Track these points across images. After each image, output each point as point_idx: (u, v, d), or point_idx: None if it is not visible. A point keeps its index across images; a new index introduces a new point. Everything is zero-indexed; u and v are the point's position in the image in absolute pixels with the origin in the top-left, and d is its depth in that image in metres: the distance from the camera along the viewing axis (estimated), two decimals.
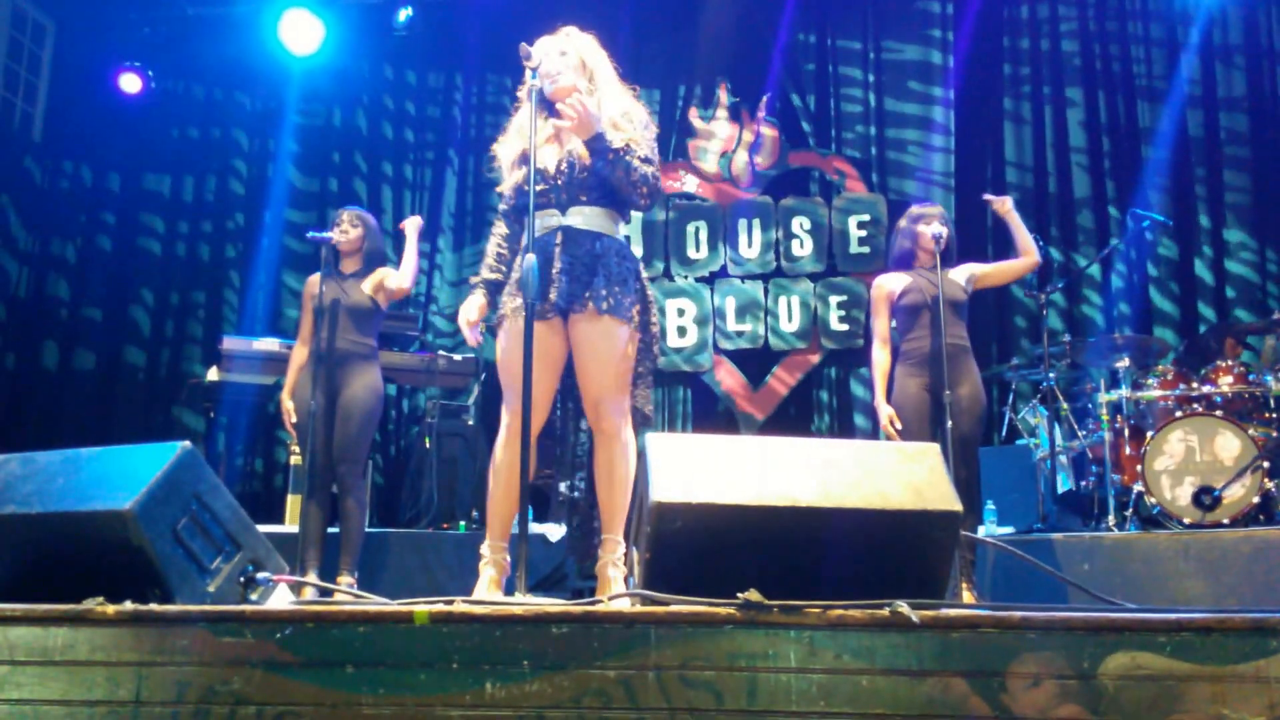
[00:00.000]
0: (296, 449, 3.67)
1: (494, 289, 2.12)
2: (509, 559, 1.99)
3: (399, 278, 2.95)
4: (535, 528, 3.39)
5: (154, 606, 1.34)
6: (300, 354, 2.99)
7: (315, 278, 2.97)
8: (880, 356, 2.87)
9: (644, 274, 2.10)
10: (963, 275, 2.88)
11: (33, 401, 5.01)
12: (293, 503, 3.78)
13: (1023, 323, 4.63)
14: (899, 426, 2.75)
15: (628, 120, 2.00)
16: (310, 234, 3.01)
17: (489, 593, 1.97)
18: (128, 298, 5.20)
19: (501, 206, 2.18)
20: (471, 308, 2.10)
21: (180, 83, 5.23)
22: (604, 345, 1.95)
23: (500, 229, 2.17)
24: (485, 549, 2.01)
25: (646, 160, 1.98)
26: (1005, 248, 4.71)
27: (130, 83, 5.02)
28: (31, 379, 5.07)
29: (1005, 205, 2.93)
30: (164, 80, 5.13)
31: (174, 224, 5.28)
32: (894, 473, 1.41)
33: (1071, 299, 4.59)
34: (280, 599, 1.61)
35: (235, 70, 5.21)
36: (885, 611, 1.21)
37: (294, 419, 2.94)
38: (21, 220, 5.19)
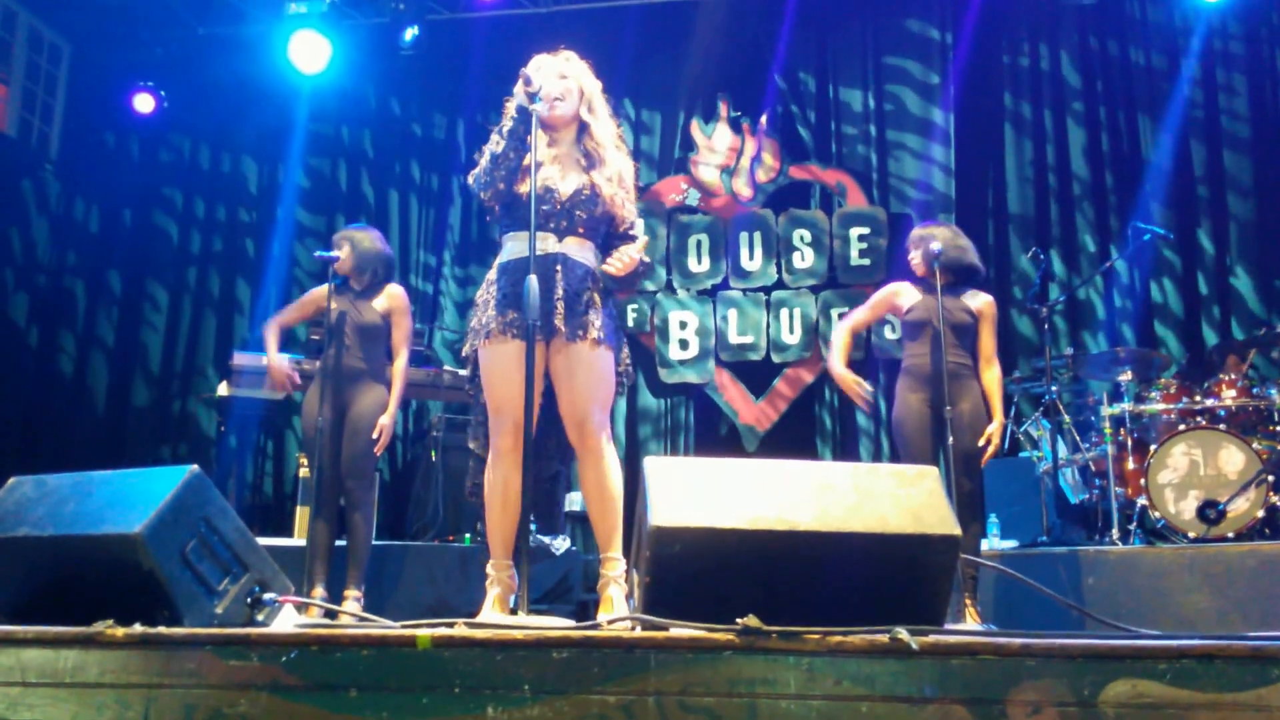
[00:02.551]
0: (305, 462, 3.70)
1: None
2: (515, 576, 2.02)
3: (405, 371, 3.00)
4: (542, 540, 3.40)
5: (162, 629, 1.36)
6: (276, 320, 3.09)
7: (326, 289, 3.00)
8: (839, 332, 2.93)
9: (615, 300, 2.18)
10: (975, 303, 2.87)
11: (49, 419, 5.07)
12: (301, 515, 3.81)
13: (1025, 336, 4.63)
14: (868, 390, 2.80)
15: (621, 185, 2.07)
16: (318, 254, 3.05)
17: (495, 611, 1.98)
18: (140, 313, 5.27)
19: (491, 196, 2.07)
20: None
21: (192, 101, 5.31)
22: (596, 371, 2.01)
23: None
24: (490, 568, 2.03)
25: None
26: (1005, 265, 4.74)
27: (144, 102, 5.11)
28: (47, 394, 5.13)
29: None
30: (176, 99, 5.21)
31: (186, 239, 5.35)
32: (892, 496, 1.42)
33: (1073, 312, 4.58)
34: (286, 619, 1.63)
35: (245, 89, 5.28)
36: (884, 638, 1.22)
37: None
38: (36, 238, 5.27)
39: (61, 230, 5.33)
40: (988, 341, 2.84)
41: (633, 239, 2.10)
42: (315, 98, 5.17)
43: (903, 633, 1.22)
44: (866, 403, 2.79)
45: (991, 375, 2.82)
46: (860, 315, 2.95)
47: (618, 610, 1.93)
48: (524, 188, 2.01)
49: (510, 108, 2.02)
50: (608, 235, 2.11)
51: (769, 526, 1.35)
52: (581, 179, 2.04)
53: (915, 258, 2.87)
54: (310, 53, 4.83)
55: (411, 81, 5.29)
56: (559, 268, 2.01)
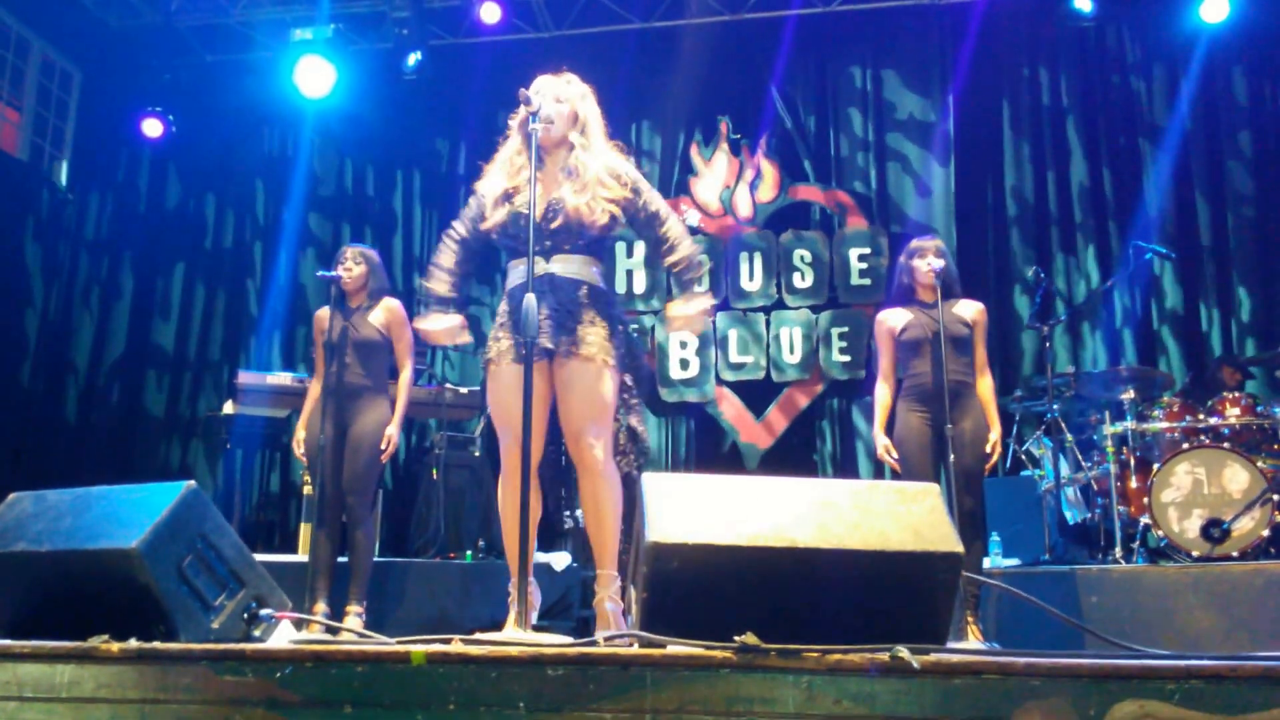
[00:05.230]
0: (309, 479, 3.71)
1: (444, 304, 2.15)
2: (536, 592, 2.07)
3: (409, 381, 3.00)
4: (540, 557, 3.39)
5: (157, 644, 1.35)
6: (316, 389, 3.03)
7: (324, 312, 3.03)
8: (882, 392, 2.88)
9: (624, 316, 2.18)
10: (968, 313, 2.85)
11: (58, 439, 5.10)
12: (305, 532, 3.80)
13: (1026, 354, 4.63)
14: (895, 457, 2.75)
15: (602, 185, 2.07)
16: (320, 273, 3.07)
17: (514, 629, 1.97)
18: (148, 334, 5.31)
19: (461, 232, 2.18)
20: (452, 327, 2.15)
21: (200, 126, 5.39)
22: (584, 384, 2.01)
23: (451, 248, 2.17)
24: (511, 586, 2.02)
25: (678, 229, 2.14)
26: (1005, 280, 4.76)
27: (152, 127, 5.19)
28: (56, 413, 5.17)
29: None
30: (184, 124, 5.30)
31: (194, 260, 5.40)
32: (894, 513, 1.41)
33: (1075, 330, 4.58)
34: (283, 635, 1.62)
35: (252, 113, 5.37)
36: (885, 656, 1.20)
37: (303, 449, 2.97)
38: (47, 261, 5.33)
39: (71, 253, 5.40)
40: (980, 351, 2.83)
41: (665, 239, 2.10)
42: (320, 121, 5.25)
43: (904, 651, 1.20)
44: (893, 459, 2.77)
45: (986, 384, 2.80)
46: (884, 364, 2.88)
47: (613, 626, 1.92)
48: (495, 217, 2.07)
49: (513, 126, 2.05)
50: (654, 239, 2.11)
51: (768, 543, 1.34)
52: (552, 196, 2.06)
53: (922, 269, 2.80)
54: (315, 78, 4.90)
55: (415, 105, 5.36)
56: (546, 288, 2.03)
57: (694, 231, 5.05)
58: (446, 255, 2.20)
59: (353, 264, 3.03)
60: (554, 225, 2.05)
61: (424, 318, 2.18)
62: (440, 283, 2.18)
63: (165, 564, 1.45)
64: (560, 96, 2.11)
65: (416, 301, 5.16)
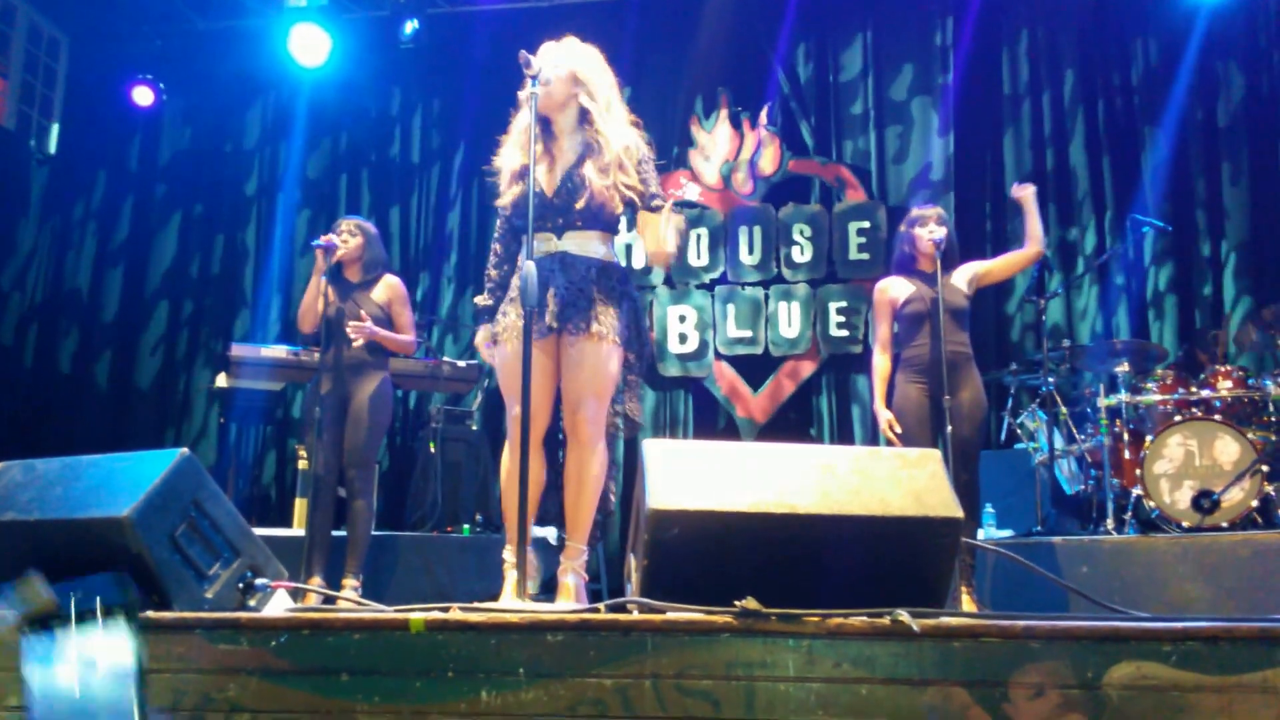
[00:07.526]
0: (304, 453, 3.70)
1: (492, 313, 2.17)
2: (534, 561, 2.09)
3: (405, 344, 2.96)
4: (537, 531, 3.39)
5: (151, 614, 1.34)
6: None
7: (324, 280, 2.98)
8: (880, 362, 2.86)
9: (634, 290, 2.16)
10: (964, 278, 2.85)
11: (50, 412, 5.06)
12: (300, 506, 3.80)
13: (1021, 327, 4.62)
14: (898, 431, 2.74)
15: (622, 170, 2.03)
16: (314, 242, 3.02)
17: (513, 597, 1.98)
18: (140, 305, 5.24)
19: (500, 226, 2.20)
20: (483, 337, 2.18)
21: (191, 94, 5.27)
22: (592, 361, 2.00)
23: (497, 249, 2.21)
24: (506, 553, 2.02)
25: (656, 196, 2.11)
26: (1002, 252, 4.71)
27: (143, 95, 5.07)
28: (48, 386, 5.12)
29: (1027, 192, 2.92)
30: (176, 92, 5.17)
31: (186, 232, 5.31)
32: (894, 479, 1.41)
33: (1070, 304, 4.58)
34: (279, 605, 1.61)
35: (245, 82, 5.25)
36: (885, 620, 1.21)
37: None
38: (35, 232, 5.24)
39: (60, 223, 5.30)
40: (1008, 261, 2.98)
41: (657, 210, 2.06)
42: (315, 91, 5.14)
43: (904, 615, 1.20)
44: (895, 435, 2.76)
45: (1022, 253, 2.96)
46: (882, 331, 2.86)
47: (573, 598, 1.94)
48: (510, 194, 2.05)
49: (521, 98, 2.01)
50: (637, 212, 2.07)
51: (769, 509, 1.33)
52: (569, 170, 2.02)
53: (924, 238, 2.77)
54: (310, 46, 4.79)
55: (411, 75, 5.25)
56: (557, 266, 2.01)
57: (693, 205, 5.01)
58: (491, 259, 2.20)
59: (348, 235, 2.99)
60: (570, 201, 2.01)
61: (479, 335, 2.18)
62: (486, 292, 2.20)
63: (157, 533, 1.43)
64: (558, 60, 2.06)
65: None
